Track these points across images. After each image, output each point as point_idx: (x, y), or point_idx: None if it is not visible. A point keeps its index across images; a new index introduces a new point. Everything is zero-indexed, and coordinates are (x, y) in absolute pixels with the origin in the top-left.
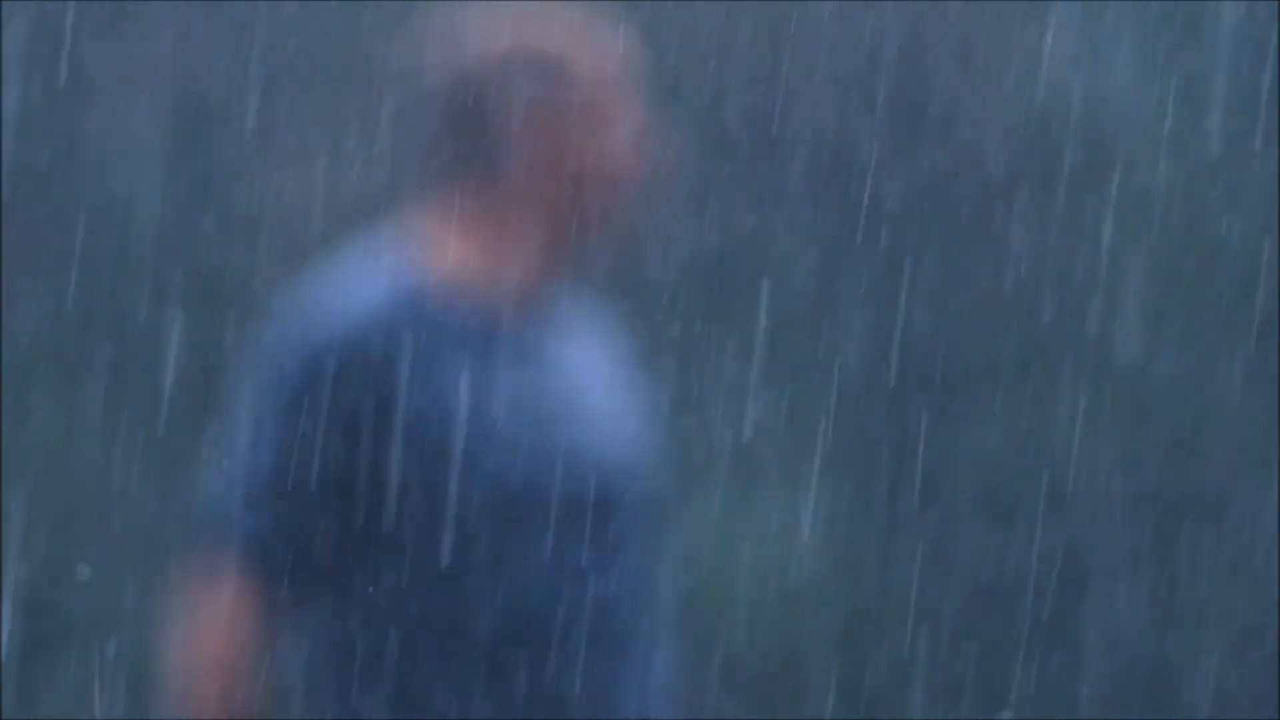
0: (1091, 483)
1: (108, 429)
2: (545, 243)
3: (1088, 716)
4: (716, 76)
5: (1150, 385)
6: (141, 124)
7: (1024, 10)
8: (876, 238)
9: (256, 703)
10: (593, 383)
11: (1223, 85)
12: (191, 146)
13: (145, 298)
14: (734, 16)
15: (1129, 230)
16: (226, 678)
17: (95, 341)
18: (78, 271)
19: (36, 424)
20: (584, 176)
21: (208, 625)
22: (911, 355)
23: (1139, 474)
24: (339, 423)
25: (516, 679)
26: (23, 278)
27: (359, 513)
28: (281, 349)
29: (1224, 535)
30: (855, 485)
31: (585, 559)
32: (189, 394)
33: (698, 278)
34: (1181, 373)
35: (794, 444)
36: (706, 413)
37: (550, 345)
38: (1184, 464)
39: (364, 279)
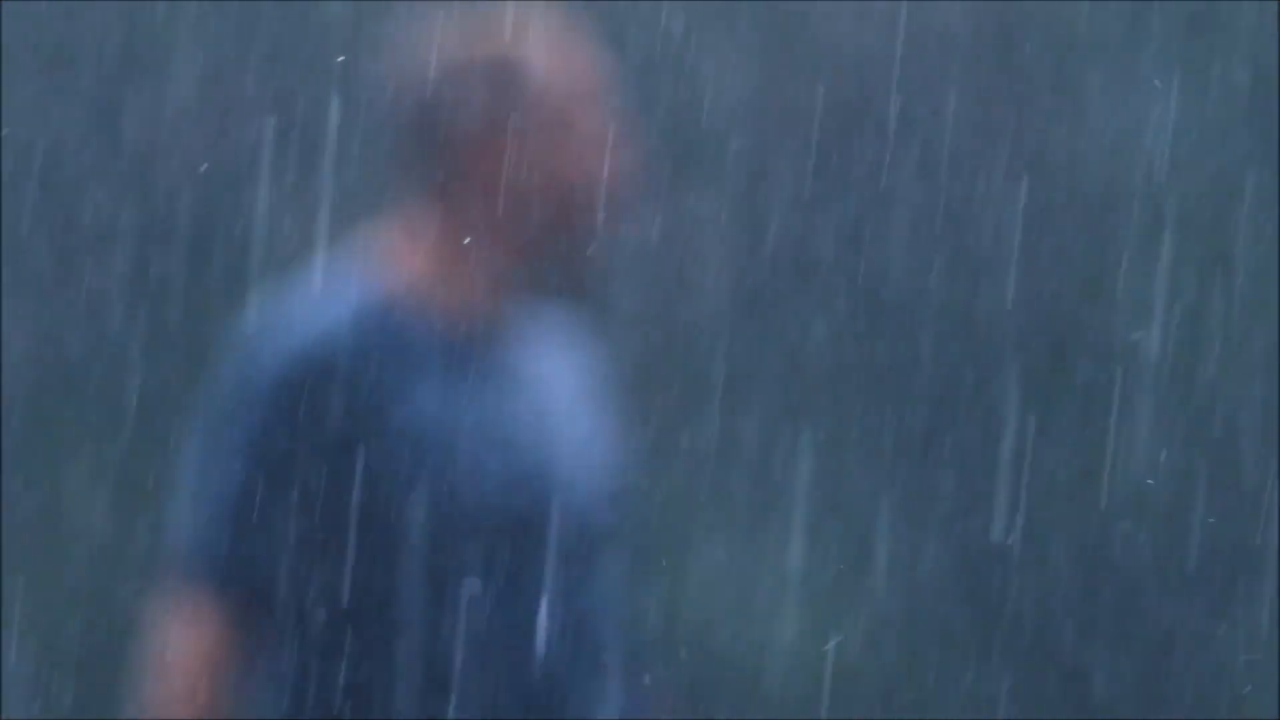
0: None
1: (81, 451)
2: (510, 255)
3: (1089, 716)
4: (685, 81)
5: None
6: (90, 138)
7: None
8: (847, 249)
9: None
10: (557, 399)
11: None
12: (147, 156)
13: (108, 317)
14: (709, 18)
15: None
16: (197, 704)
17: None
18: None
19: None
20: (547, 187)
21: (178, 651)
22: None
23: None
24: (301, 442)
25: (481, 703)
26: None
27: (324, 534)
28: (243, 370)
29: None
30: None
31: (548, 580)
32: (158, 412)
33: (664, 287)
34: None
35: (764, 461)
36: (672, 428)
37: (514, 361)
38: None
39: (326, 296)
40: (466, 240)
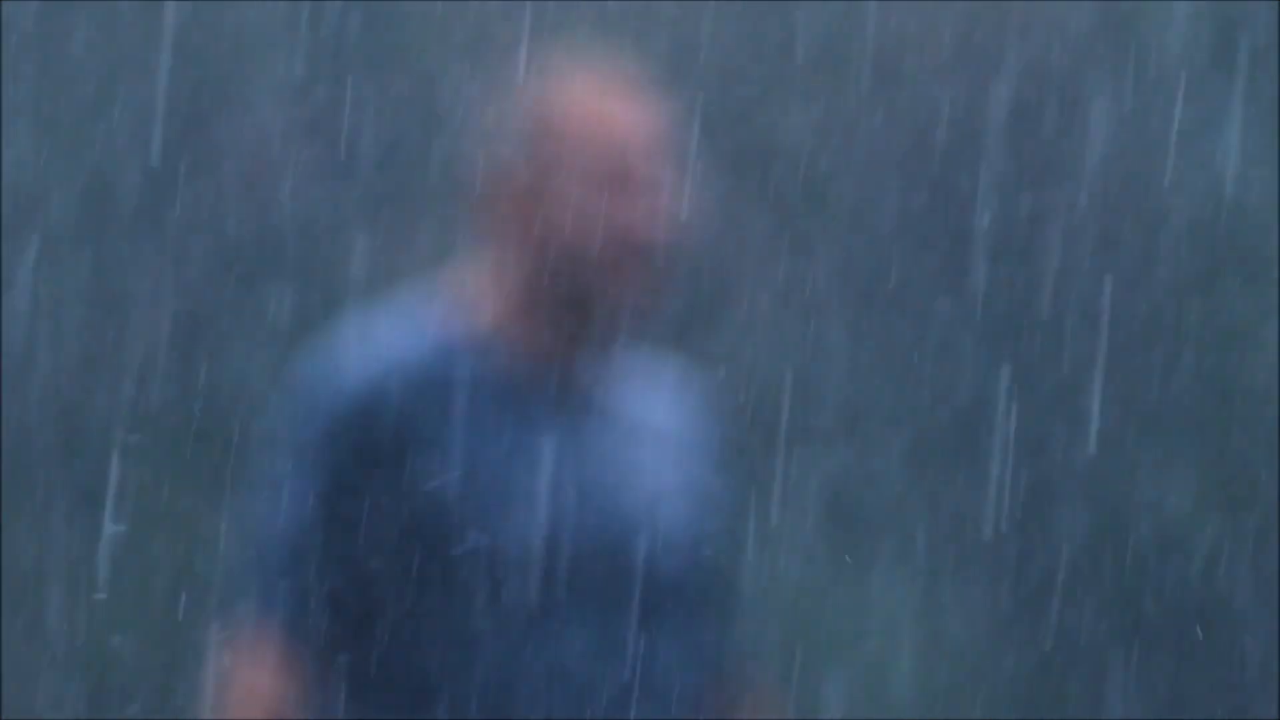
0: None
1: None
2: (586, 304)
3: (1087, 716)
4: (760, 134)
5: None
6: (160, 167)
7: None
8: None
9: None
10: (639, 444)
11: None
12: (242, 197)
13: (179, 351)
14: (779, 74)
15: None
16: None
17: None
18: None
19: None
20: (624, 239)
21: (241, 688)
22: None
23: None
24: (368, 482)
25: None
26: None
27: (389, 573)
28: (311, 406)
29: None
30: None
31: (618, 626)
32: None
33: (742, 337)
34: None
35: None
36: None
37: (594, 404)
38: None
39: (400, 336)
40: (543, 284)
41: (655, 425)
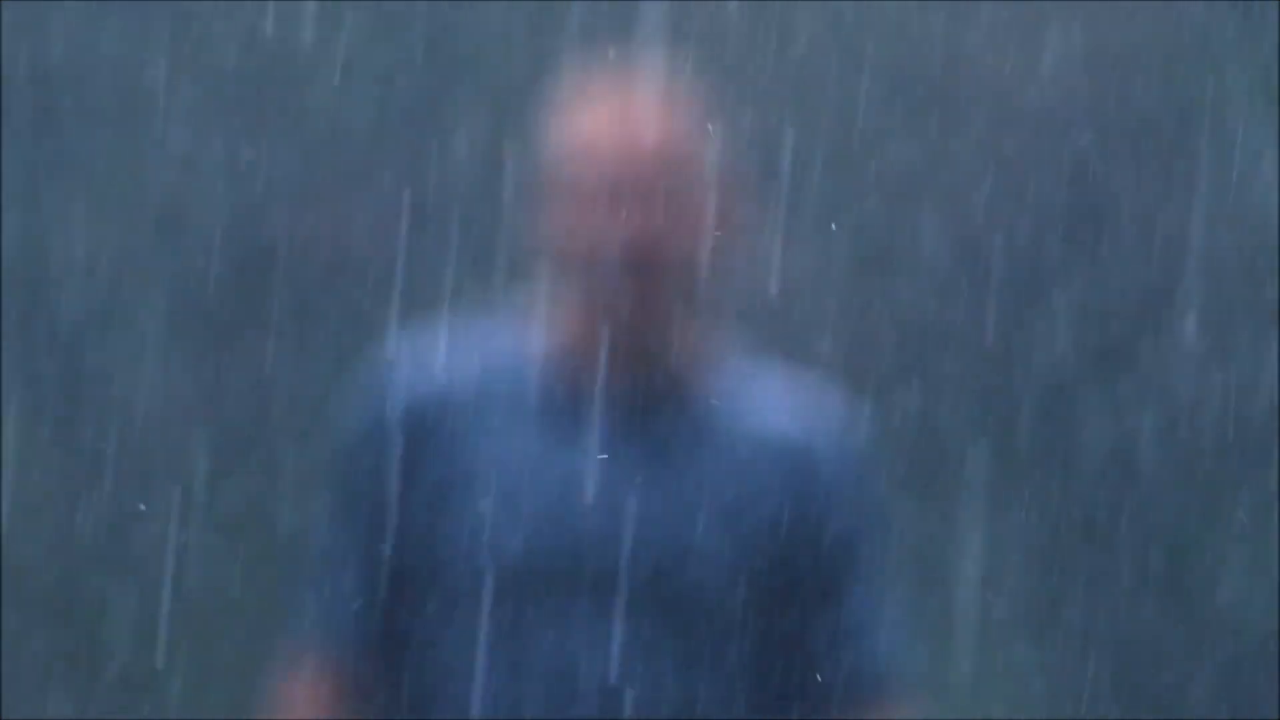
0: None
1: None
2: (623, 316)
3: (1088, 715)
4: (822, 146)
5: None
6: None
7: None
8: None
9: None
10: (700, 459)
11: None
12: (316, 206)
13: (258, 366)
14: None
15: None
16: None
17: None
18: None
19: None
20: (641, 250)
21: (296, 706)
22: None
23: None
24: (429, 496)
25: None
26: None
27: (455, 591)
28: (370, 425)
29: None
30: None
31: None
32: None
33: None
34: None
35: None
36: None
37: (656, 418)
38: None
39: (461, 351)
40: (614, 303)
41: (725, 435)
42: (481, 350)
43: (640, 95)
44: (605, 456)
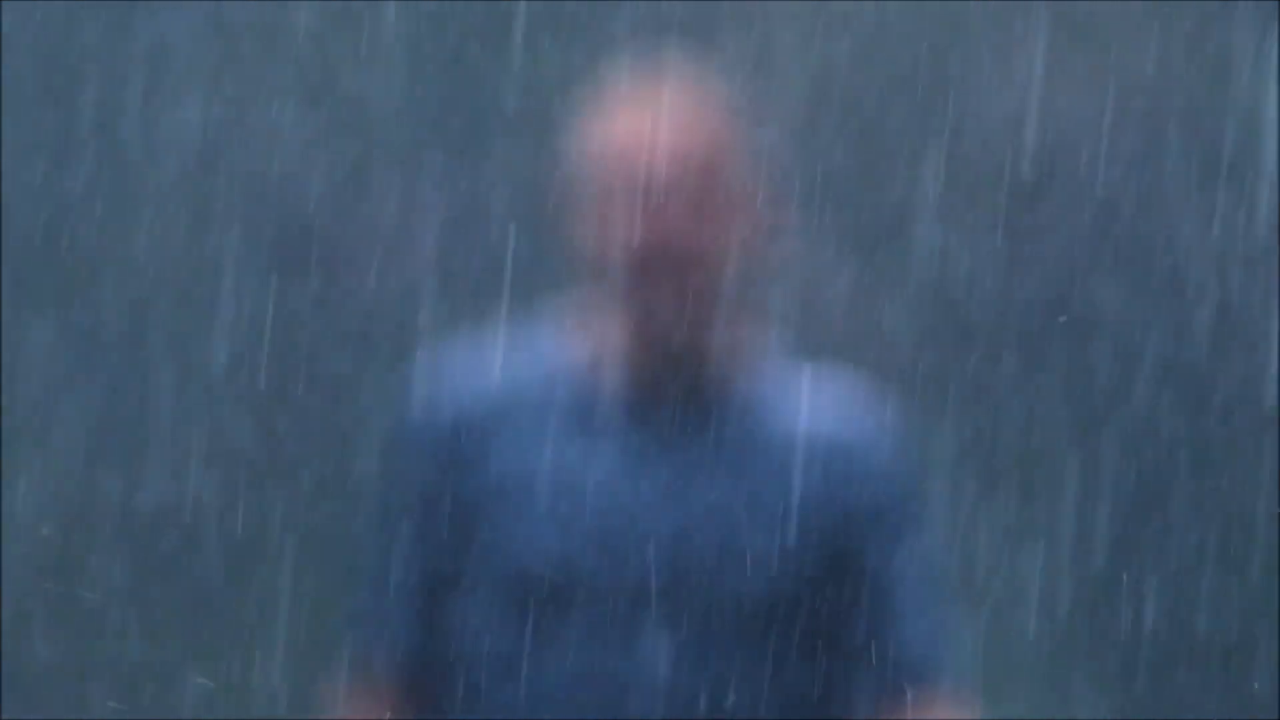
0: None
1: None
2: (690, 324)
3: (1088, 715)
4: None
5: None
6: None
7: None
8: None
9: None
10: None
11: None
12: (350, 210)
13: (277, 373)
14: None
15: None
16: None
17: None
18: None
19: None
20: (723, 259)
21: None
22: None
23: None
24: (480, 505)
25: None
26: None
27: (507, 603)
28: (418, 433)
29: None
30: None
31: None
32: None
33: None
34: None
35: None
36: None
37: (699, 430)
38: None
39: (508, 358)
40: (654, 312)
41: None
42: (526, 358)
43: (675, 99)
44: (658, 463)
